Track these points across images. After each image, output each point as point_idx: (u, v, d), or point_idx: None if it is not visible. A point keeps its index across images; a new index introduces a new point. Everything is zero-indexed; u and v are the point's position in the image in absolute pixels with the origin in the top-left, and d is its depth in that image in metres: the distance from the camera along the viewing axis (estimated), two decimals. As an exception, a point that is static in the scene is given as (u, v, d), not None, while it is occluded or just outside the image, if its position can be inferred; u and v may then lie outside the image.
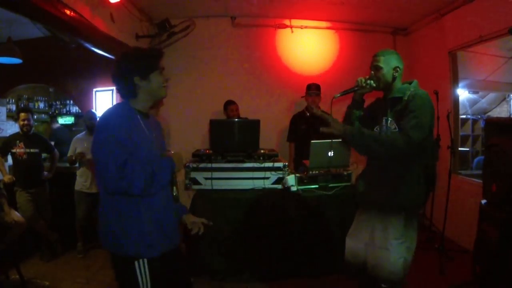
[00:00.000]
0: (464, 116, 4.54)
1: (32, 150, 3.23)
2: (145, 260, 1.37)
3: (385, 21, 4.31)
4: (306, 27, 4.33)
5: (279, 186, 2.83)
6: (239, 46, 4.29)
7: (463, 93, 4.38)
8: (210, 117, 3.43)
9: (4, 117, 4.27)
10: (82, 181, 3.31)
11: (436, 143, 1.81)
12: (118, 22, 3.28)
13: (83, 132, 3.46)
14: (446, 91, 3.67)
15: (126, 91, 1.43)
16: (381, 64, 1.76)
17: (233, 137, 2.87)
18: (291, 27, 4.32)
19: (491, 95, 4.81)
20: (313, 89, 3.47)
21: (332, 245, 2.69)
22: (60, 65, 4.01)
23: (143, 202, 1.37)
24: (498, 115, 4.76)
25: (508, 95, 4.81)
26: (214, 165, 2.81)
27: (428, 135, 1.63)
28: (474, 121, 4.72)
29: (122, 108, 1.42)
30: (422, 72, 4.00)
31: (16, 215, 2.81)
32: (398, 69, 1.76)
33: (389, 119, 1.76)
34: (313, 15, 4.24)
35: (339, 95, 1.83)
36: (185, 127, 4.26)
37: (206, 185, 2.80)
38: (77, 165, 3.33)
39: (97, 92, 4.08)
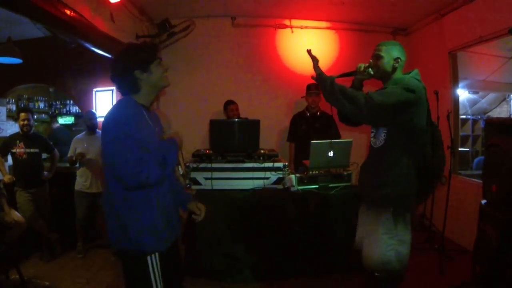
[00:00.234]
0: (464, 116, 4.55)
1: (32, 150, 3.23)
2: (157, 254, 1.39)
3: (385, 21, 4.31)
4: (306, 27, 4.33)
5: (279, 186, 2.83)
6: (239, 46, 4.29)
7: (463, 93, 4.38)
8: (210, 117, 3.43)
9: (4, 117, 4.26)
10: (82, 181, 3.31)
11: (437, 143, 1.78)
12: (118, 22, 3.28)
13: (83, 132, 3.46)
14: (446, 91, 3.67)
15: (128, 86, 1.42)
16: (382, 53, 1.76)
17: (233, 137, 2.86)
18: (291, 27, 4.32)
19: (491, 95, 4.81)
20: (313, 89, 3.47)
21: (332, 245, 2.69)
22: (60, 65, 4.01)
23: (153, 192, 1.38)
24: (498, 115, 4.76)
25: (508, 95, 4.82)
26: (214, 165, 2.81)
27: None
28: (474, 121, 4.72)
29: (127, 103, 1.41)
30: (422, 72, 3.93)
31: (16, 215, 2.81)
32: (399, 60, 1.76)
33: None
34: (313, 15, 4.24)
35: (337, 76, 1.86)
36: (185, 127, 4.25)
37: (206, 185, 2.80)
38: (77, 165, 3.33)
39: (97, 92, 4.08)
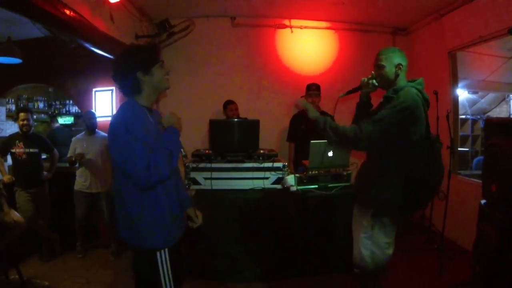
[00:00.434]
0: (463, 116, 4.55)
1: (31, 150, 3.23)
2: (166, 250, 1.43)
3: (385, 21, 4.31)
4: (306, 27, 4.33)
5: (279, 186, 2.83)
6: (239, 46, 4.29)
7: (462, 93, 4.39)
8: (209, 117, 3.43)
9: (3, 117, 4.26)
10: (82, 181, 3.31)
11: (434, 156, 1.79)
12: (117, 22, 3.27)
13: (83, 133, 3.46)
14: (446, 91, 3.67)
15: (130, 88, 1.44)
16: (383, 63, 1.78)
17: (232, 137, 2.86)
18: (291, 27, 4.32)
19: (491, 95, 4.82)
20: (313, 89, 3.47)
21: (331, 245, 2.70)
22: (60, 65, 4.01)
23: (161, 189, 1.41)
24: (498, 115, 4.77)
25: (508, 95, 4.82)
26: (214, 165, 2.81)
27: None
28: (474, 121, 4.73)
29: (131, 106, 1.43)
30: (422, 72, 3.95)
31: (15, 215, 2.81)
32: (401, 66, 1.77)
33: None
34: (313, 15, 4.24)
35: (343, 95, 1.92)
36: (185, 127, 4.18)
37: (206, 185, 2.80)
38: (76, 165, 3.33)
39: (96, 92, 4.08)
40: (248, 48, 4.31)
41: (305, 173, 2.82)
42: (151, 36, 3.85)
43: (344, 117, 2.66)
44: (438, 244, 3.10)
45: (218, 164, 2.82)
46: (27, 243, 3.14)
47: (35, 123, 4.60)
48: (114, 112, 3.92)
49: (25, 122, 3.20)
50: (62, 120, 5.40)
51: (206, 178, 2.81)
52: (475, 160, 4.50)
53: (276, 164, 2.84)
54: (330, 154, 2.78)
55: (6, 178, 3.00)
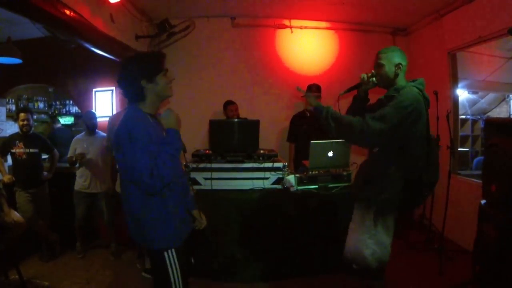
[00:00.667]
0: (463, 116, 4.55)
1: (31, 150, 3.23)
2: (173, 250, 1.47)
3: (385, 21, 4.31)
4: (305, 27, 4.33)
5: (279, 187, 2.83)
6: (239, 46, 4.29)
7: (462, 93, 4.38)
8: (209, 117, 3.43)
9: (3, 117, 4.26)
10: (82, 181, 3.31)
11: (431, 157, 1.81)
12: (118, 22, 3.27)
13: (83, 133, 3.46)
14: (446, 92, 3.67)
15: (134, 95, 1.48)
16: (383, 62, 1.79)
17: (232, 138, 2.87)
18: (290, 27, 4.32)
19: (491, 96, 4.81)
20: (313, 90, 3.46)
21: (331, 245, 2.69)
22: (60, 65, 4.01)
23: (168, 191, 1.44)
24: (498, 115, 4.76)
25: (508, 96, 4.82)
26: (214, 165, 2.81)
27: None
28: (474, 121, 4.73)
29: (136, 114, 1.46)
30: (422, 72, 3.96)
31: (15, 216, 2.80)
32: (400, 65, 1.78)
33: None
34: (313, 15, 4.24)
35: (344, 92, 1.94)
36: (185, 127, 4.19)
37: (206, 185, 2.80)
38: (77, 165, 3.33)
39: (96, 92, 4.08)
40: (248, 48, 4.30)
41: (305, 173, 2.82)
42: (151, 37, 3.85)
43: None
44: (438, 244, 3.10)
45: (218, 164, 2.82)
46: (27, 243, 3.14)
47: (35, 123, 4.59)
48: (114, 112, 3.93)
49: (25, 122, 3.20)
50: (62, 121, 5.40)
51: (206, 178, 2.81)
52: (475, 160, 4.49)
53: (276, 164, 2.84)
54: (330, 154, 2.78)
55: (6, 178, 3.00)
